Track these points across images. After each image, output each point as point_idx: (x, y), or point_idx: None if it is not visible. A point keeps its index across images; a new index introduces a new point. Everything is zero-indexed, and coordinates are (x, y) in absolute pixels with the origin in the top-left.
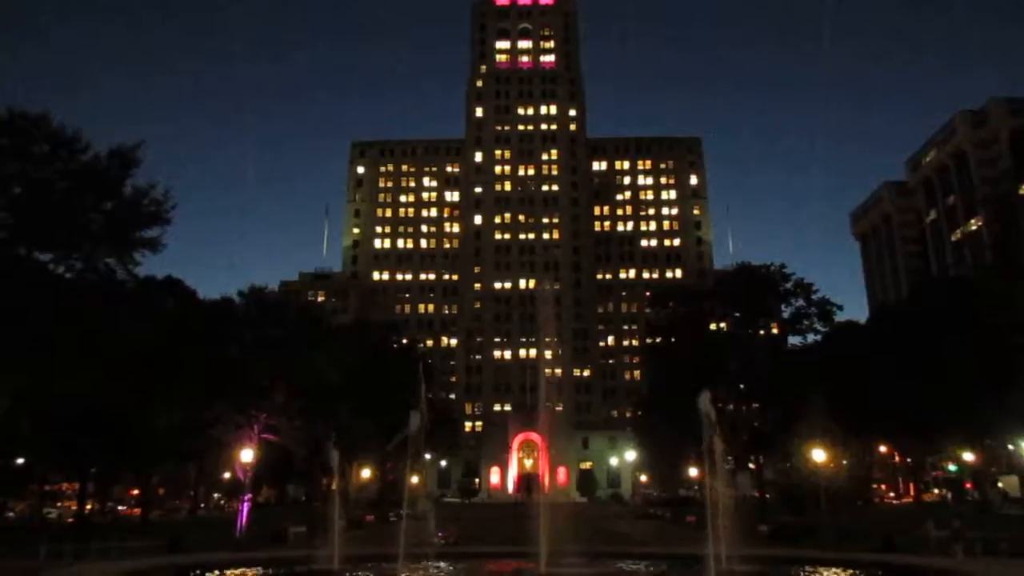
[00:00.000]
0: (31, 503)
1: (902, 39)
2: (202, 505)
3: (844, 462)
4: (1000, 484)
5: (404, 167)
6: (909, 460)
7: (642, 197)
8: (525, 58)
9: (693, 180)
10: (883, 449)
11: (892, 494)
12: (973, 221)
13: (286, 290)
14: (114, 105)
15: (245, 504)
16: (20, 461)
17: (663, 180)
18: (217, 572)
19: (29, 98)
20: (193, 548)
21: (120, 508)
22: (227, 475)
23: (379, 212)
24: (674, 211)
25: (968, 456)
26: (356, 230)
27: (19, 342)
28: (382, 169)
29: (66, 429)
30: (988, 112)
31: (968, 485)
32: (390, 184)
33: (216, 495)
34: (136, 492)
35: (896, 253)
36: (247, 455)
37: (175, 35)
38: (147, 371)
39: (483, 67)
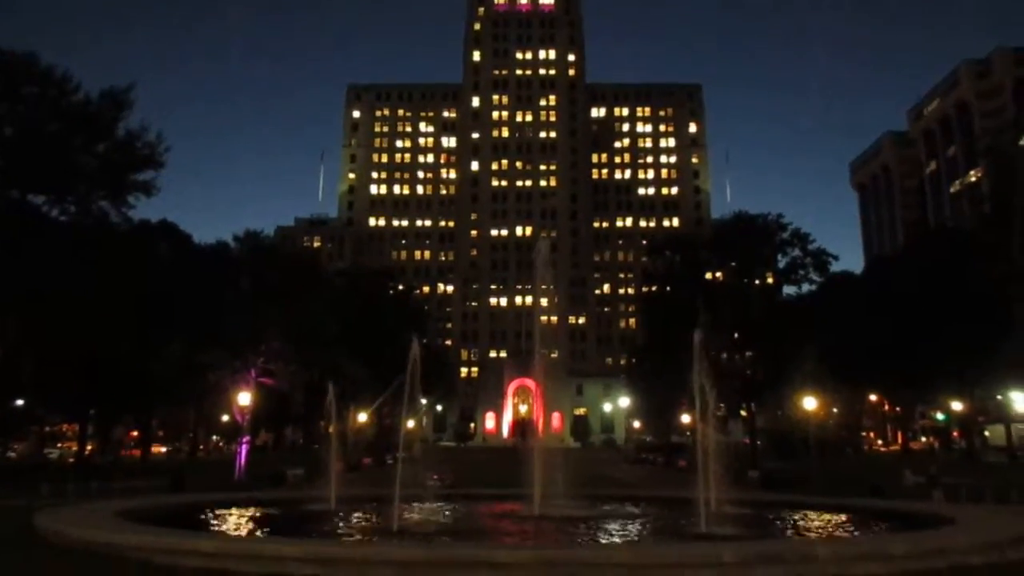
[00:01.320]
0: (32, 444)
1: None
2: (201, 447)
3: (834, 410)
4: (987, 433)
5: (400, 112)
6: (898, 409)
7: (640, 145)
8: (524, 0)
9: (692, 128)
10: (873, 398)
11: (880, 442)
12: (973, 172)
13: (282, 236)
14: (107, 52)
15: (244, 446)
16: (20, 403)
17: (662, 128)
18: (216, 511)
19: (16, 43)
20: (193, 489)
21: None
22: (225, 418)
23: (375, 157)
24: (672, 159)
25: (957, 406)
26: (352, 175)
27: (14, 285)
28: (378, 114)
29: (64, 372)
30: (993, 62)
31: (955, 434)
32: (386, 129)
33: (215, 438)
34: (136, 434)
35: (894, 204)
36: (244, 399)
37: None
38: (143, 314)
39: (481, 9)
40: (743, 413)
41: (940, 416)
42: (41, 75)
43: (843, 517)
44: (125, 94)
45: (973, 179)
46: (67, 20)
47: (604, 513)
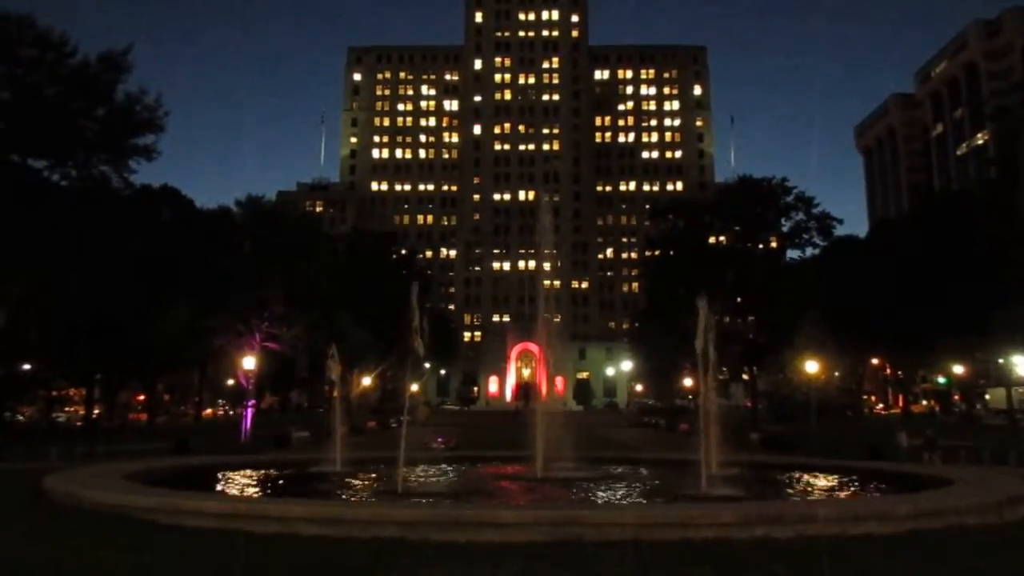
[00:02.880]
0: (39, 408)
1: None
2: (207, 411)
3: (836, 374)
4: (987, 397)
5: (402, 74)
6: (899, 373)
7: (644, 108)
8: None
9: (697, 91)
10: (875, 362)
11: (881, 406)
12: (980, 135)
13: (283, 200)
14: (104, 17)
15: (249, 410)
16: (27, 367)
17: (666, 91)
18: (223, 473)
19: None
20: (199, 451)
21: (128, 414)
22: (230, 382)
23: (376, 121)
24: (676, 123)
25: (958, 369)
26: (353, 139)
27: (16, 250)
28: (379, 76)
29: (69, 336)
30: (1002, 22)
31: (956, 398)
32: (387, 92)
33: (220, 401)
34: (142, 398)
35: (900, 167)
36: (249, 363)
37: None
38: (147, 278)
39: None
40: (745, 376)
41: (941, 380)
42: (39, 37)
43: (842, 478)
44: (123, 57)
45: (980, 142)
46: None
47: (606, 475)
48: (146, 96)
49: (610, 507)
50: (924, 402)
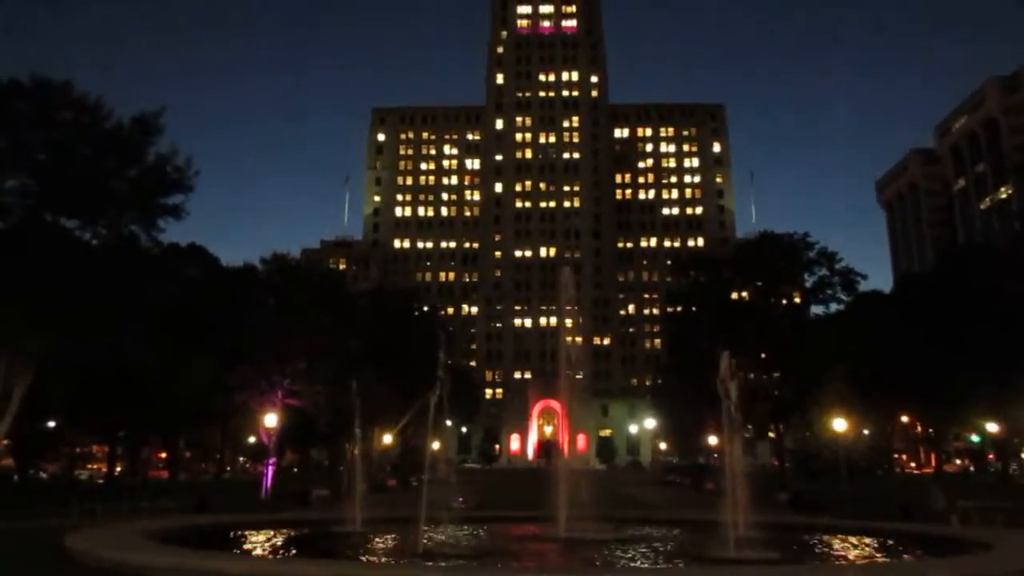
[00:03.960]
0: (63, 465)
1: (929, 8)
2: (228, 469)
3: (864, 432)
4: None
5: (425, 134)
6: (930, 431)
7: (664, 165)
8: (546, 23)
9: (716, 148)
10: (904, 419)
11: (913, 464)
12: (1003, 189)
13: (307, 258)
14: (136, 76)
15: (269, 468)
16: (51, 424)
17: (685, 148)
18: (243, 532)
19: (51, 66)
20: (219, 510)
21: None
22: (252, 439)
23: (399, 180)
24: (696, 179)
25: (991, 426)
26: (377, 198)
27: (46, 308)
28: (402, 136)
29: (95, 393)
30: (1020, 78)
31: (991, 456)
32: (410, 151)
33: (241, 459)
34: (164, 455)
35: (922, 222)
36: (271, 420)
37: (197, 6)
38: (172, 336)
39: (504, 33)
40: (771, 434)
41: (974, 438)
42: (75, 102)
43: (876, 541)
44: (156, 119)
45: (1003, 196)
46: (96, 40)
47: (630, 536)
48: (176, 157)
49: (634, 571)
50: (957, 461)
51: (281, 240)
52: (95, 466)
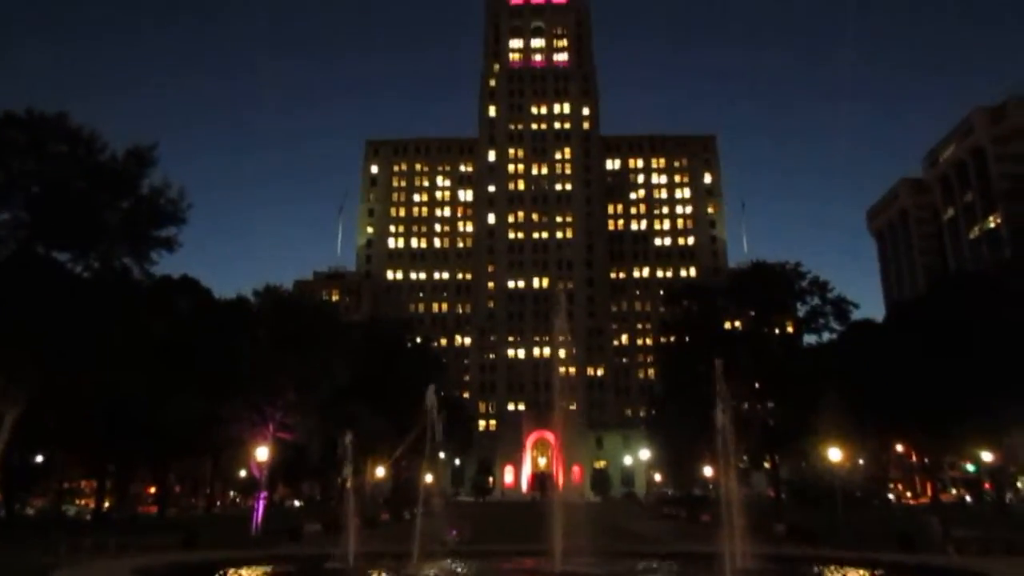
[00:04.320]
0: (50, 499)
1: (917, 38)
2: (218, 503)
3: (860, 461)
4: (1020, 484)
5: (418, 166)
6: (926, 459)
7: (656, 195)
8: (538, 56)
9: (707, 178)
10: (900, 448)
11: (909, 494)
12: (991, 218)
13: (300, 289)
14: (131, 105)
15: (260, 502)
16: (40, 458)
17: (677, 178)
18: (233, 569)
19: (45, 98)
20: (209, 545)
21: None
22: (243, 473)
23: (393, 211)
24: (688, 209)
25: (986, 455)
26: (370, 229)
27: (37, 340)
28: (396, 168)
29: (85, 425)
30: (1007, 107)
31: (987, 485)
32: (403, 183)
33: (232, 493)
34: (153, 490)
35: (913, 250)
36: (262, 453)
37: (191, 37)
38: (163, 368)
39: (496, 66)
40: (766, 464)
41: (970, 467)
42: (70, 134)
43: (875, 573)
44: (150, 152)
45: (992, 224)
46: (89, 73)
47: (626, 569)
48: (170, 189)
49: None
50: (954, 490)
51: (275, 271)
52: (83, 501)
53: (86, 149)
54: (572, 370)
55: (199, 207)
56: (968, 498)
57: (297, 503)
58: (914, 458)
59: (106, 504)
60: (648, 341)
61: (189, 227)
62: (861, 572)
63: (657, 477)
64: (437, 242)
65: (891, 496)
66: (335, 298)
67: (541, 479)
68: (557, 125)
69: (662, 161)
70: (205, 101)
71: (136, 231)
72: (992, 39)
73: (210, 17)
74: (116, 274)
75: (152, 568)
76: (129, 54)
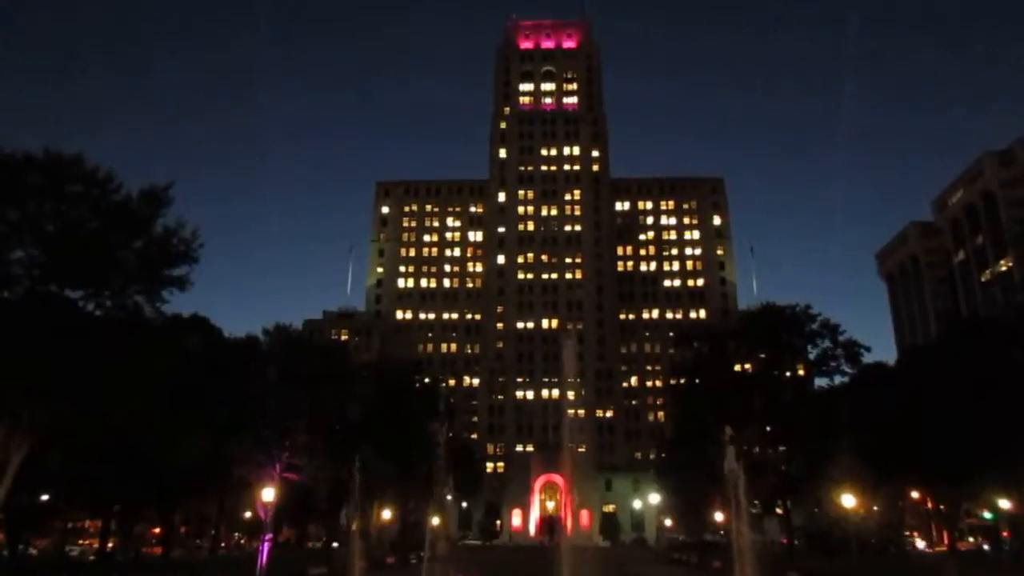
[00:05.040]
0: (53, 540)
1: (926, 82)
2: (223, 544)
3: (875, 508)
4: None
5: (428, 207)
6: (942, 507)
7: (665, 237)
8: (548, 100)
9: (716, 220)
10: (915, 495)
11: (925, 542)
12: (1003, 262)
13: (310, 329)
14: (141, 146)
15: (266, 544)
16: (44, 498)
17: (686, 220)
18: None
19: (56, 137)
20: None
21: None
22: (248, 514)
23: (403, 251)
24: (697, 251)
25: (1004, 503)
26: (380, 269)
27: (47, 379)
28: (406, 209)
29: (91, 466)
30: (1015, 152)
31: (1005, 533)
32: (414, 224)
33: (237, 534)
34: (158, 531)
35: (924, 294)
36: (268, 494)
37: (204, 77)
38: (171, 409)
39: (507, 108)
40: (779, 510)
41: (987, 514)
42: (86, 175)
43: None
44: (164, 192)
45: (1003, 268)
46: (99, 113)
47: None
48: (183, 228)
49: None
50: (971, 539)
51: (285, 310)
52: (87, 541)
53: (101, 189)
54: (581, 412)
55: (210, 247)
56: (986, 546)
57: (311, 545)
58: (930, 505)
59: (110, 544)
60: (658, 383)
61: (201, 267)
62: None
63: (668, 522)
64: (447, 282)
65: (906, 544)
66: (345, 338)
67: (549, 523)
68: (567, 167)
69: (671, 203)
70: (216, 142)
71: (149, 270)
72: (1001, 82)
73: (222, 58)
74: (128, 313)
75: None
76: (141, 94)
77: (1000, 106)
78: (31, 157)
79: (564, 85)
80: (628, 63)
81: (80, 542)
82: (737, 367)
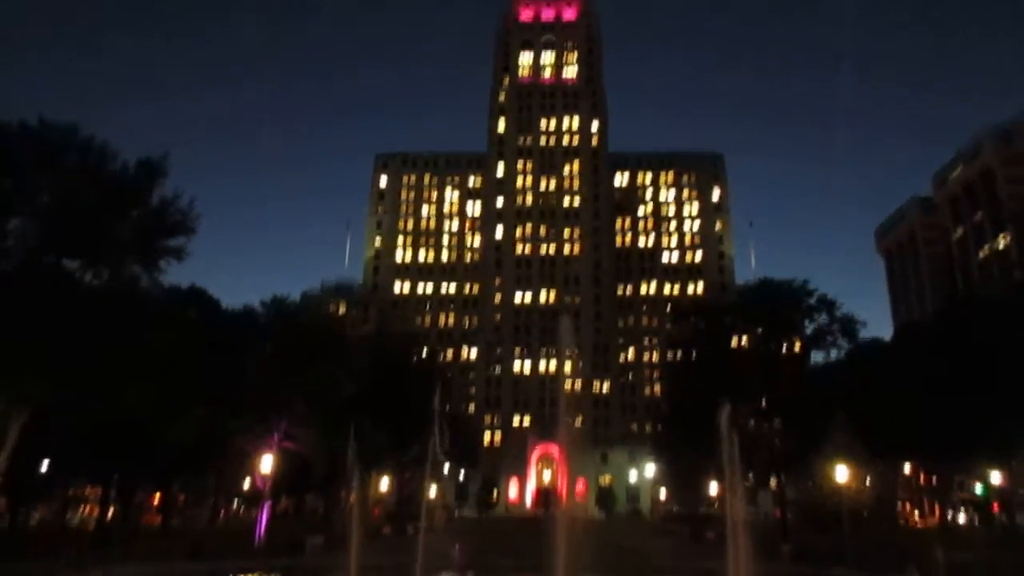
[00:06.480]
0: (54, 509)
1: (927, 59)
2: (222, 514)
3: (868, 482)
4: None
5: (426, 179)
6: (934, 480)
7: (663, 212)
8: (548, 72)
9: (715, 195)
10: (908, 469)
11: (917, 515)
12: (1001, 238)
13: (307, 301)
14: (139, 122)
15: (264, 513)
16: (44, 467)
17: (685, 194)
18: None
19: (56, 112)
20: (212, 556)
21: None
22: (246, 484)
23: (401, 224)
24: (696, 226)
25: (995, 477)
26: (378, 242)
27: (44, 349)
28: (404, 181)
29: (90, 436)
30: (1014, 129)
31: (995, 508)
32: (412, 196)
33: (236, 503)
34: (157, 500)
35: (921, 270)
36: (266, 465)
37: (201, 53)
38: (169, 379)
39: (506, 81)
40: (772, 484)
41: (979, 489)
42: (81, 145)
43: None
44: (160, 163)
45: (1001, 245)
46: (99, 89)
47: None
48: (179, 199)
49: None
50: (963, 513)
51: (282, 283)
52: (86, 509)
53: (97, 160)
54: (578, 385)
55: (208, 221)
56: (977, 521)
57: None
58: (922, 479)
59: (110, 514)
60: (655, 357)
61: (197, 240)
62: None
63: (663, 494)
64: (444, 255)
65: (899, 518)
66: (342, 311)
67: (545, 494)
68: (566, 140)
69: (670, 177)
70: (214, 116)
71: (146, 241)
72: (1001, 60)
73: (220, 33)
74: (125, 284)
75: None
76: (140, 70)
77: (1002, 83)
78: (25, 126)
79: (564, 56)
80: (628, 39)
81: (80, 510)
82: (733, 342)
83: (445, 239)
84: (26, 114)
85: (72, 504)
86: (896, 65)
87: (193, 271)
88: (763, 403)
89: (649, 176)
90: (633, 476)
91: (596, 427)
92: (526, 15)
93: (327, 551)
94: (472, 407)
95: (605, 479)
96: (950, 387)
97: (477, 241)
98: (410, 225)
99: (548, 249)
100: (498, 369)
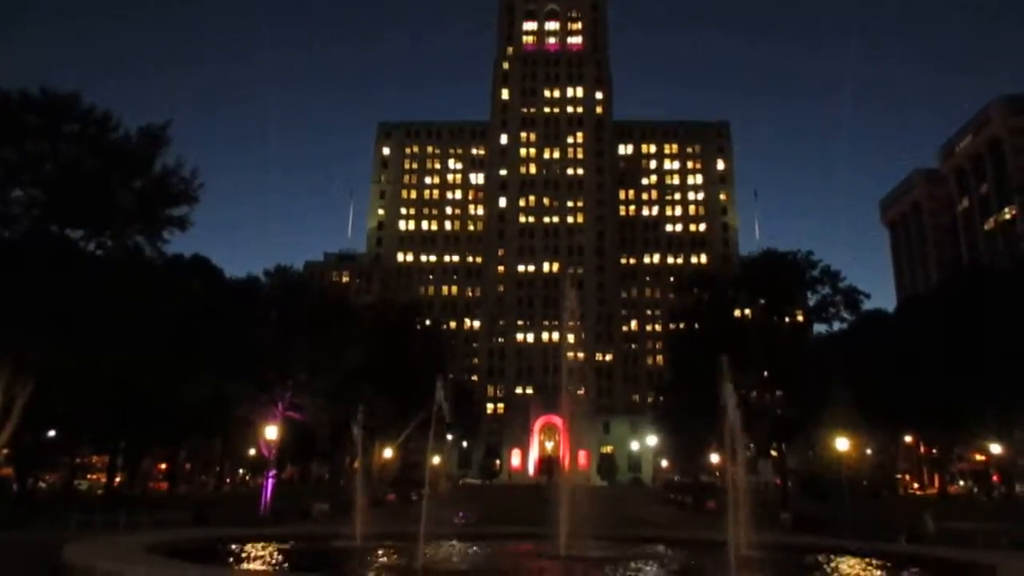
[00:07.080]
0: (62, 476)
1: (935, 31)
2: (227, 481)
3: (868, 452)
4: None
5: (430, 149)
6: (934, 451)
7: (668, 182)
8: (552, 40)
9: (720, 165)
10: (908, 439)
11: (917, 485)
12: (1007, 210)
13: (311, 271)
14: (142, 90)
15: (269, 480)
16: (51, 434)
17: (689, 165)
18: (242, 545)
19: (56, 80)
20: (218, 522)
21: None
22: (252, 452)
23: (404, 194)
24: (700, 196)
25: (995, 448)
26: (381, 212)
27: (47, 318)
28: (407, 151)
29: (96, 404)
30: None
31: (995, 478)
32: (415, 166)
33: (241, 471)
34: (164, 467)
35: (926, 241)
36: (271, 432)
37: (205, 22)
38: (174, 348)
39: (510, 49)
40: (773, 453)
41: (979, 458)
42: (82, 114)
43: (880, 563)
44: (162, 131)
45: (1007, 216)
46: (101, 57)
47: (631, 555)
48: (182, 168)
49: None
50: (962, 482)
51: (286, 252)
52: (95, 476)
53: (99, 129)
54: (581, 355)
55: (212, 191)
56: (976, 490)
57: (297, 484)
58: (922, 449)
59: (117, 480)
60: (657, 328)
61: (202, 209)
62: (868, 562)
63: (664, 463)
64: (448, 225)
65: (899, 488)
66: (345, 280)
67: (548, 463)
68: (570, 110)
69: (675, 147)
70: (218, 86)
71: (149, 210)
72: (1009, 32)
73: (220, 2)
74: (129, 252)
75: (163, 544)
76: (143, 38)
77: (1011, 56)
78: (28, 96)
79: (568, 24)
80: (633, 7)
81: (88, 477)
82: (736, 313)
83: (448, 209)
84: (24, 84)
85: (80, 472)
86: (904, 37)
87: (196, 240)
88: (765, 374)
89: (653, 147)
90: (635, 446)
91: (599, 397)
92: None
93: (333, 518)
94: (475, 377)
95: (607, 448)
96: (952, 359)
97: (480, 211)
98: (413, 195)
99: (551, 219)
100: (501, 339)
